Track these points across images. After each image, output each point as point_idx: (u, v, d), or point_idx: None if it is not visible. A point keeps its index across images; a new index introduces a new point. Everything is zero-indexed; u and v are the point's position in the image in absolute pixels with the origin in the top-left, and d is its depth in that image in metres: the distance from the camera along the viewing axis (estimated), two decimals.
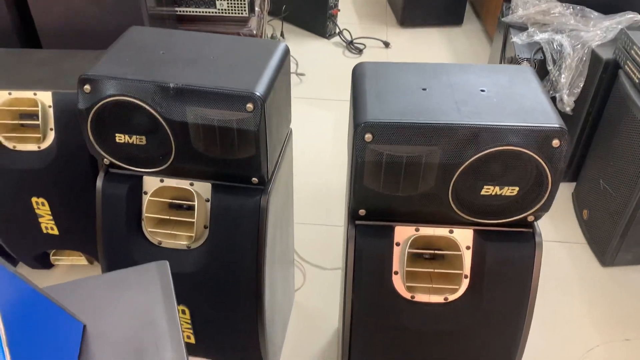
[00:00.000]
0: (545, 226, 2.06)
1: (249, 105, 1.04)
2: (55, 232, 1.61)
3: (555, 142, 0.96)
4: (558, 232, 2.05)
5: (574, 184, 2.20)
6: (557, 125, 0.96)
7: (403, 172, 1.00)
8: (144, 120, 1.08)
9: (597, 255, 1.94)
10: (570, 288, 1.84)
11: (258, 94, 1.04)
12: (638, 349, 1.65)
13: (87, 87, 1.08)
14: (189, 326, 1.31)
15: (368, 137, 0.97)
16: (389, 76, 1.10)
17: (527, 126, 0.96)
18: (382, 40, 3.20)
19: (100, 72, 1.08)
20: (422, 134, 0.96)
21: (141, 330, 0.63)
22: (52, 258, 1.79)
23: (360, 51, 3.13)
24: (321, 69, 2.95)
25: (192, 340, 1.34)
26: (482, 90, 1.06)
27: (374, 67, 1.13)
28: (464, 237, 1.09)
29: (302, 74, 2.90)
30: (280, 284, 1.47)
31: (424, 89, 1.06)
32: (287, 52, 1.22)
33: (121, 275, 0.69)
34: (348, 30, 3.22)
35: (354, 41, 3.16)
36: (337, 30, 3.23)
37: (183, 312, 1.28)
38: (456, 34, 3.35)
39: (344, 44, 3.18)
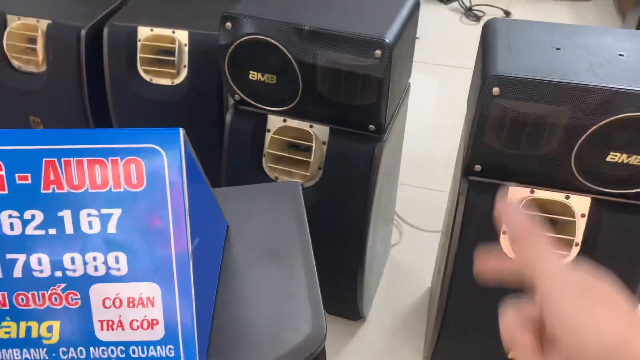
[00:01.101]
0: None
1: (377, 52, 1.07)
2: None
3: None
4: None
5: None
6: None
7: (527, 131, 0.99)
8: (277, 60, 1.15)
9: None
10: None
11: (387, 41, 1.07)
12: None
13: (228, 24, 1.15)
14: None
15: (496, 90, 0.97)
16: (521, 33, 1.08)
17: None
18: (502, 9, 3.09)
19: (241, 11, 1.15)
20: (553, 92, 0.95)
21: (275, 235, 0.70)
22: None
23: (478, 19, 3.04)
24: (437, 34, 2.91)
25: None
26: (621, 55, 1.02)
27: (506, 23, 1.12)
28: (580, 204, 1.07)
29: (417, 38, 2.87)
30: (380, 235, 1.52)
31: (558, 49, 1.04)
32: (417, 4, 1.24)
33: (259, 188, 0.76)
34: None
35: (473, 8, 3.07)
36: None
37: None
38: (585, 8, 3.15)
39: (462, 10, 3.10)
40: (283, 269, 0.65)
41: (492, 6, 3.11)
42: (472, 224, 1.12)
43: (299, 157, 1.27)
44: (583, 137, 0.97)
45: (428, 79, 2.63)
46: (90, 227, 0.49)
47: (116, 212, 0.49)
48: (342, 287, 1.42)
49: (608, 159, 0.99)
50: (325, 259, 1.37)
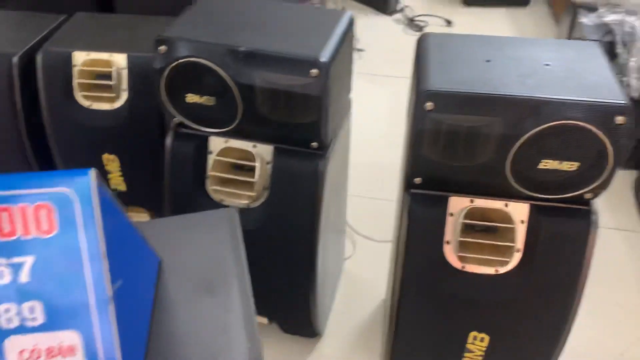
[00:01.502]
0: (604, 213, 2.01)
1: (314, 71, 1.08)
2: (123, 188, 1.71)
3: (619, 119, 0.95)
4: (617, 219, 2.00)
5: (634, 172, 2.14)
6: (622, 101, 0.95)
7: (462, 142, 1.01)
8: (214, 81, 1.14)
9: None
10: (625, 276, 1.81)
11: (322, 60, 1.08)
12: None
13: (162, 47, 1.14)
14: None
15: (429, 105, 0.99)
16: (453, 47, 1.11)
17: (591, 101, 0.95)
18: (444, 19, 3.16)
19: (176, 34, 1.14)
20: (484, 104, 0.98)
21: (210, 267, 0.68)
22: None
23: (421, 29, 3.10)
24: (381, 46, 2.95)
25: None
26: (547, 65, 1.05)
27: (439, 38, 1.14)
28: (519, 211, 1.10)
29: (361, 50, 2.91)
30: (332, 250, 1.52)
31: (488, 61, 1.06)
32: (351, 22, 1.25)
33: (193, 218, 0.75)
34: (410, 7, 3.19)
35: (415, 19, 3.14)
36: (399, 7, 3.21)
37: None
38: (522, 15, 3.26)
39: (405, 21, 3.16)
40: (218, 301, 0.64)
41: (433, 16, 3.18)
42: (416, 236, 1.13)
43: (243, 178, 1.26)
44: (515, 146, 1.00)
45: (374, 89, 2.67)
46: (1, 277, 0.47)
47: (28, 260, 0.47)
48: (296, 306, 1.41)
49: (541, 166, 1.02)
50: (276, 278, 1.36)
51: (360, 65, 2.82)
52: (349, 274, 1.82)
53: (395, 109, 2.55)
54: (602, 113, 0.96)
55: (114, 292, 0.49)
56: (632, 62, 1.98)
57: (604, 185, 1.03)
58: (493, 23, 3.19)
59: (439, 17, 3.18)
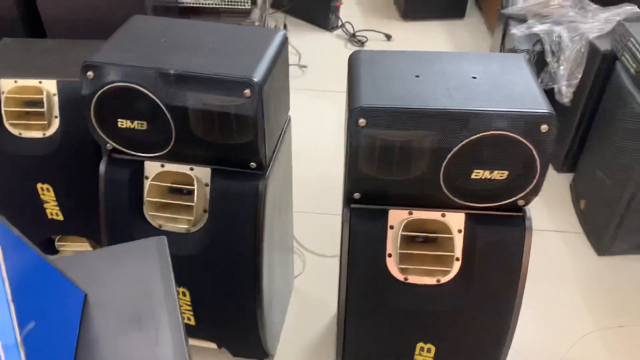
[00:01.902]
0: (543, 216, 2.09)
1: (247, 91, 1.07)
2: (60, 217, 1.65)
3: (544, 127, 0.99)
4: (556, 222, 2.07)
5: (571, 174, 2.22)
6: (545, 111, 0.99)
7: (396, 156, 1.03)
8: (145, 106, 1.12)
9: (594, 245, 1.96)
10: (566, 276, 1.87)
11: (255, 80, 1.07)
12: (632, 336, 1.68)
13: (90, 73, 1.11)
14: (189, 308, 1.35)
15: (362, 121, 1.00)
16: (384, 64, 1.12)
17: (516, 111, 0.99)
18: (384, 33, 3.22)
19: (103, 59, 1.11)
20: (414, 119, 0.99)
21: (139, 299, 0.66)
22: (57, 244, 1.83)
23: (362, 44, 3.15)
24: (323, 61, 2.98)
25: (193, 322, 1.38)
26: (474, 77, 1.08)
27: (369, 55, 1.16)
28: (456, 220, 1.12)
29: (304, 66, 2.93)
30: (279, 269, 1.51)
31: (417, 76, 1.08)
32: (285, 40, 1.25)
33: (121, 249, 0.72)
34: (350, 23, 3.24)
35: (357, 34, 3.18)
36: (340, 23, 3.26)
37: (183, 294, 1.32)
38: (458, 27, 3.36)
39: (347, 36, 3.20)
40: (147, 335, 0.62)
41: (374, 31, 3.23)
42: (358, 250, 1.13)
43: (182, 202, 1.24)
44: (447, 158, 1.02)
45: (319, 105, 2.68)
46: None
47: None
48: (244, 328, 1.38)
49: (473, 176, 1.04)
50: (222, 302, 1.34)
51: (303, 82, 2.83)
52: (300, 292, 1.81)
53: (340, 123, 2.56)
54: (527, 122, 0.99)
55: (26, 335, 0.46)
56: (562, 70, 2.07)
57: (534, 192, 1.06)
58: (431, 36, 3.27)
59: (379, 32, 3.24)
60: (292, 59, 2.94)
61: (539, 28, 2.14)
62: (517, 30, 2.18)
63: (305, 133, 2.47)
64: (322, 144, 2.44)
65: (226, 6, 2.28)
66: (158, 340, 0.62)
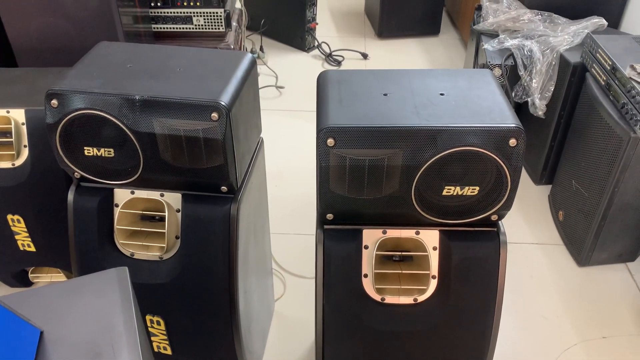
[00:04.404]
0: (523, 229, 2.09)
1: (214, 115, 1.06)
2: (32, 249, 1.62)
3: (512, 142, 0.99)
4: (535, 234, 2.07)
5: (549, 186, 2.24)
6: (513, 125, 0.99)
7: (366, 175, 1.02)
8: (112, 132, 1.10)
9: (574, 256, 1.96)
10: (547, 288, 1.86)
11: (223, 103, 1.06)
12: (615, 347, 1.67)
13: (54, 102, 1.09)
14: (165, 337, 1.31)
15: (330, 141, 0.99)
16: (351, 83, 1.12)
17: (484, 126, 0.98)
18: (360, 52, 3.25)
19: (67, 87, 1.09)
20: (382, 137, 0.99)
21: (98, 333, 0.64)
22: (30, 275, 1.78)
23: (339, 63, 3.17)
24: (300, 82, 2.99)
25: (169, 352, 1.35)
26: (442, 94, 1.08)
27: (337, 75, 1.16)
28: (430, 238, 1.11)
29: (281, 87, 2.93)
30: (257, 293, 1.48)
31: (385, 94, 1.08)
32: (253, 62, 1.24)
33: (80, 282, 0.70)
34: (327, 43, 3.26)
35: (333, 53, 3.20)
36: (316, 44, 3.28)
37: (158, 322, 1.29)
38: (433, 44, 3.40)
39: (323, 56, 3.22)
40: None
41: (350, 50, 3.26)
42: (333, 271, 1.12)
43: (153, 229, 1.21)
44: (417, 176, 1.01)
45: (296, 125, 2.68)
46: None
47: None
48: (222, 356, 1.35)
49: (444, 192, 1.04)
50: (198, 330, 1.31)
51: (280, 102, 2.84)
52: (281, 315, 1.78)
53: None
54: (496, 137, 0.99)
55: None
56: (534, 83, 2.09)
57: (506, 206, 1.06)
58: (407, 53, 3.30)
59: (355, 51, 3.26)
60: (269, 80, 2.95)
61: (510, 43, 2.17)
62: (488, 46, 2.20)
63: (282, 153, 2.47)
64: (299, 163, 2.43)
65: (201, 30, 2.28)
66: None
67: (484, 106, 1.05)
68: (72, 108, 1.08)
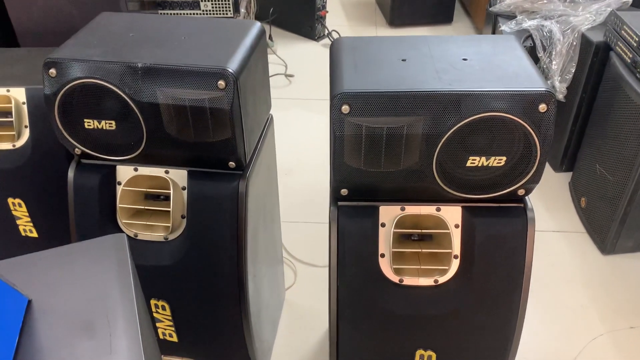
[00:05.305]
0: (544, 217, 2.01)
1: (221, 82, 0.99)
2: (35, 234, 1.56)
3: (542, 107, 0.91)
4: (557, 222, 1.99)
5: (570, 173, 2.15)
6: (543, 89, 0.91)
7: (384, 146, 0.95)
8: (113, 103, 1.04)
9: (597, 244, 1.88)
10: (571, 277, 1.78)
11: (230, 70, 1.00)
12: None
13: (52, 71, 1.03)
14: (171, 323, 1.25)
15: (345, 108, 0.92)
16: (367, 49, 1.05)
17: (512, 90, 0.91)
18: None
19: (66, 55, 1.03)
20: (401, 103, 0.92)
21: (91, 303, 0.57)
22: None
23: None
24: (310, 71, 2.92)
25: (175, 339, 1.28)
26: (465, 59, 1.01)
27: (351, 41, 1.09)
28: (452, 214, 1.04)
29: (291, 75, 2.86)
30: (268, 280, 1.42)
31: (404, 60, 1.01)
32: (262, 31, 1.18)
33: (73, 248, 0.64)
34: (337, 32, 3.19)
35: None
36: (326, 32, 3.21)
37: (163, 307, 1.23)
38: (446, 32, 3.32)
39: None
40: (98, 344, 0.53)
41: None
42: (348, 251, 1.05)
43: (157, 208, 1.15)
44: (439, 145, 0.94)
45: (307, 114, 2.61)
46: None
47: None
48: (230, 343, 1.29)
49: (468, 164, 0.96)
50: (205, 315, 1.24)
51: (291, 91, 2.77)
52: (292, 304, 1.72)
53: (327, 132, 2.50)
54: (524, 102, 0.91)
55: None
56: (554, 65, 2.01)
57: (535, 179, 0.98)
58: None
59: None
60: (279, 69, 2.89)
61: (528, 24, 2.09)
62: (506, 27, 2.12)
63: (292, 141, 2.40)
64: (310, 152, 2.36)
65: (209, 15, 2.22)
66: (112, 349, 0.53)
67: (510, 71, 0.97)
68: (71, 77, 1.02)
